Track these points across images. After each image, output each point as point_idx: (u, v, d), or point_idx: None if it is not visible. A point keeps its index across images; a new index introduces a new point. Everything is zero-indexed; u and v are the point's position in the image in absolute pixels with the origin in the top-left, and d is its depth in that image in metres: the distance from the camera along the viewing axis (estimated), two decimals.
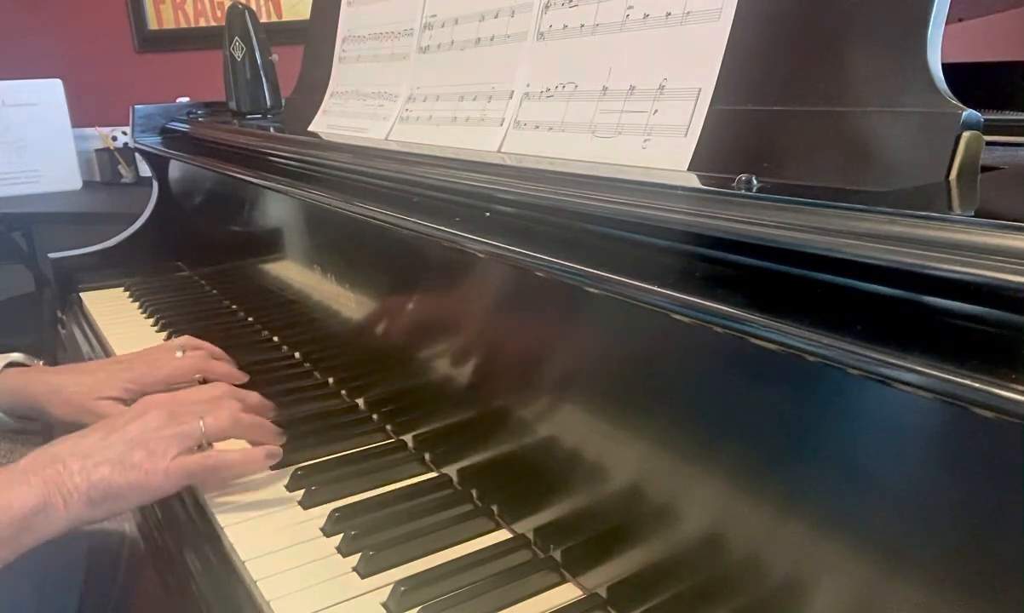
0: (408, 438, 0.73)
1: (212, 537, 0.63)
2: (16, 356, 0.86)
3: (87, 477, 0.59)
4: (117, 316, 1.19)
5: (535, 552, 0.57)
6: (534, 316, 0.56)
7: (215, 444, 0.66)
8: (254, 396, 0.74)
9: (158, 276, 1.35)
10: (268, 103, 1.36)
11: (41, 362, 0.90)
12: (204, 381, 0.86)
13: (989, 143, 0.40)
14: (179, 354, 0.85)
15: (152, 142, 1.41)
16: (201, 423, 0.65)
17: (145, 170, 1.72)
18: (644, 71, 0.56)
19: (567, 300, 0.52)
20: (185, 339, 0.89)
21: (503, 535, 0.60)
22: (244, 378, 0.86)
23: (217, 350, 0.89)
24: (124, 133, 2.18)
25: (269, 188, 0.93)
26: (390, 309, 0.75)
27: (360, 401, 0.81)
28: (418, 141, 0.80)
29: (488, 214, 0.56)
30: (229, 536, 0.61)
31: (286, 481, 0.67)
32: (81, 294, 1.30)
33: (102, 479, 0.59)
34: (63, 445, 0.62)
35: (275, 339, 1.02)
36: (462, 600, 0.52)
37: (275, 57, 1.37)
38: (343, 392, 0.84)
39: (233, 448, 0.69)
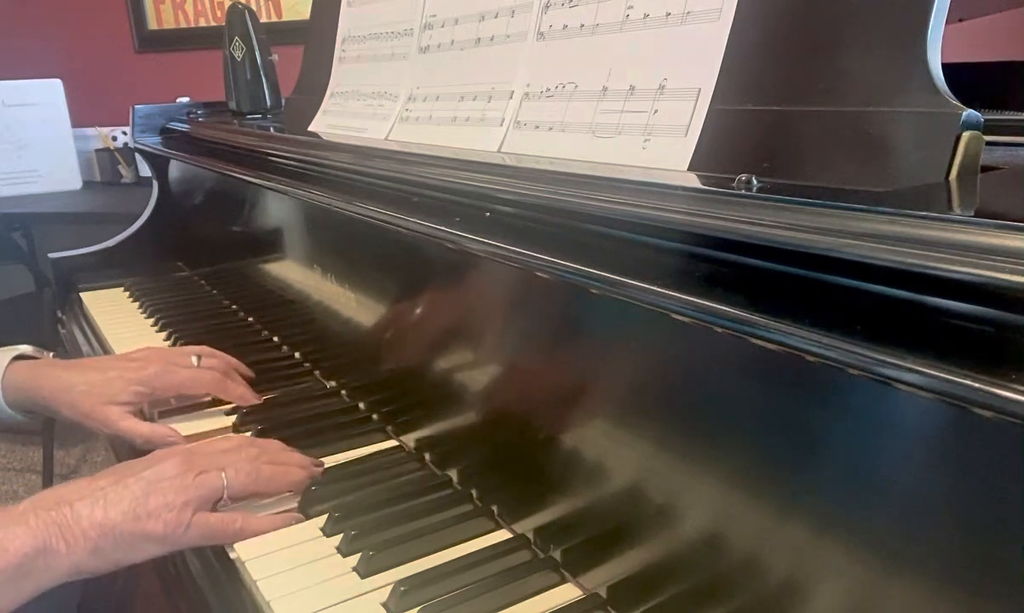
0: (408, 438, 0.73)
1: None
2: (25, 348, 0.84)
3: (96, 523, 0.55)
4: (117, 316, 1.18)
5: (535, 552, 0.57)
6: (534, 317, 0.56)
7: None
8: (275, 444, 0.69)
9: (158, 276, 1.35)
10: (268, 103, 1.36)
11: (51, 354, 0.88)
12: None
13: (989, 143, 0.40)
14: (194, 360, 0.82)
15: (152, 142, 1.41)
16: (223, 477, 0.61)
17: (145, 170, 1.72)
18: (644, 71, 0.56)
19: (567, 301, 0.52)
20: (203, 349, 0.85)
21: (503, 535, 0.60)
22: (258, 400, 0.83)
23: (235, 361, 0.86)
24: (124, 133, 2.18)
25: (269, 188, 0.93)
26: (390, 309, 0.75)
27: (361, 402, 0.81)
28: (418, 141, 0.80)
29: (488, 214, 0.56)
30: None
31: None
32: (81, 294, 1.30)
33: (114, 526, 0.56)
34: (71, 487, 0.58)
35: (275, 339, 1.02)
36: (462, 600, 0.52)
37: (275, 57, 1.37)
38: (343, 392, 0.84)
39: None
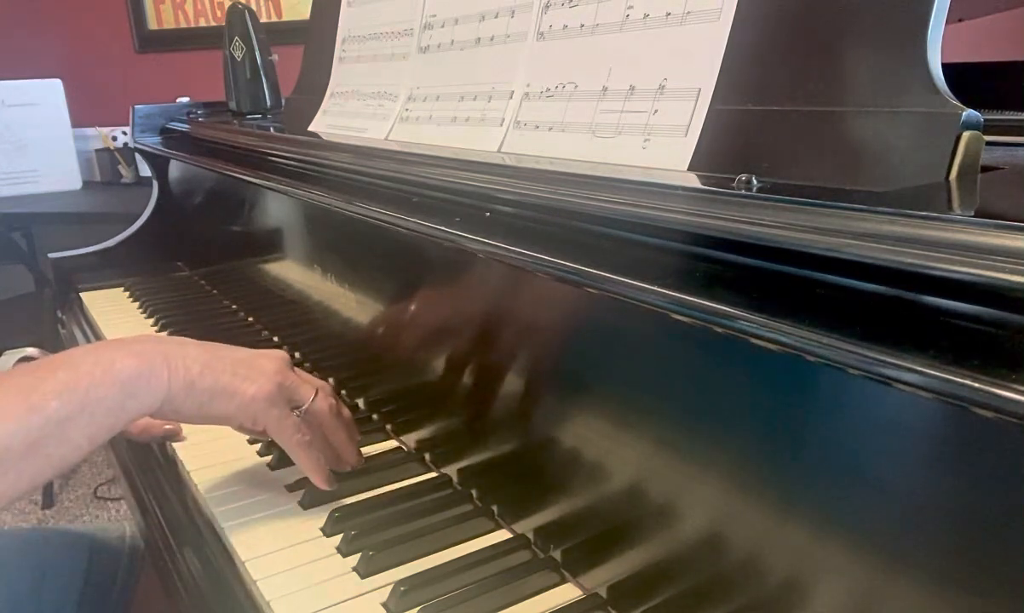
0: (408, 438, 0.73)
1: (212, 537, 0.63)
2: (31, 351, 0.84)
3: (201, 361, 0.59)
4: (117, 316, 1.19)
5: (535, 552, 0.57)
6: (534, 317, 0.56)
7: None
8: (346, 411, 0.70)
9: (158, 276, 1.35)
10: (268, 103, 1.36)
11: None
12: None
13: (989, 143, 0.40)
14: None
15: (152, 142, 1.41)
16: (314, 393, 0.63)
17: (145, 170, 1.72)
18: (644, 71, 0.56)
19: (567, 301, 0.52)
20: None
21: (503, 535, 0.60)
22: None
23: None
24: (124, 133, 2.19)
25: (269, 188, 0.93)
26: (390, 309, 0.75)
27: (360, 401, 0.81)
28: (418, 141, 0.80)
29: (488, 214, 0.56)
30: (229, 536, 0.61)
31: (286, 481, 0.67)
32: (81, 294, 1.30)
33: (214, 370, 0.59)
34: (175, 337, 0.61)
35: (275, 339, 1.02)
36: (462, 600, 0.52)
37: (275, 57, 1.37)
38: (343, 392, 0.84)
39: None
